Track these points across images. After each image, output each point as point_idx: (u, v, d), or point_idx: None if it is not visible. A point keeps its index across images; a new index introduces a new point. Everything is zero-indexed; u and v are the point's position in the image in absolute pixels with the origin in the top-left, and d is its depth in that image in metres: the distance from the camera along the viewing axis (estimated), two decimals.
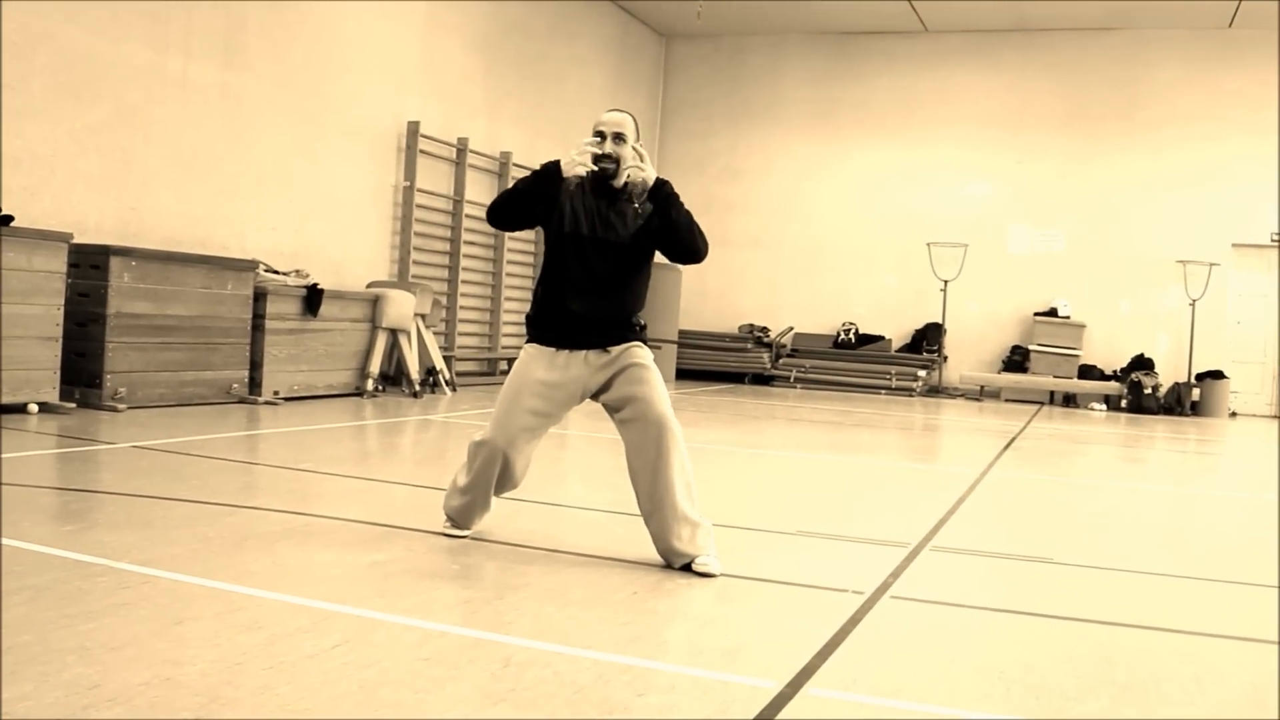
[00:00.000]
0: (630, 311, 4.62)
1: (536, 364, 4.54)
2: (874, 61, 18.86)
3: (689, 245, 4.56)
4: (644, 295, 4.75)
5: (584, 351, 4.52)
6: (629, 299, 4.63)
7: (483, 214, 14.42)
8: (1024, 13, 17.15)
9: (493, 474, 4.59)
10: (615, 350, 4.53)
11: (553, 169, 4.50)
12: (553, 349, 4.54)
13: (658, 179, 4.55)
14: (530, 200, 4.54)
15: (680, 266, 16.23)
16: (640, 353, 4.56)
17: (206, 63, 10.30)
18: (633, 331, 4.60)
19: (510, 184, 4.90)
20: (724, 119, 19.53)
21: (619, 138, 4.53)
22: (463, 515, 4.73)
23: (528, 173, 4.63)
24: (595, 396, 4.59)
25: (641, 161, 4.56)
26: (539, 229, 4.72)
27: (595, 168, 4.47)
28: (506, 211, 4.61)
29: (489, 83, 14.79)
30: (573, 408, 4.70)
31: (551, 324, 4.58)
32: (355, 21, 12.20)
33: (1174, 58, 17.38)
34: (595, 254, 4.53)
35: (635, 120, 4.66)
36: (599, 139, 4.51)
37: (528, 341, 4.66)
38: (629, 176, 4.52)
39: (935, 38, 18.53)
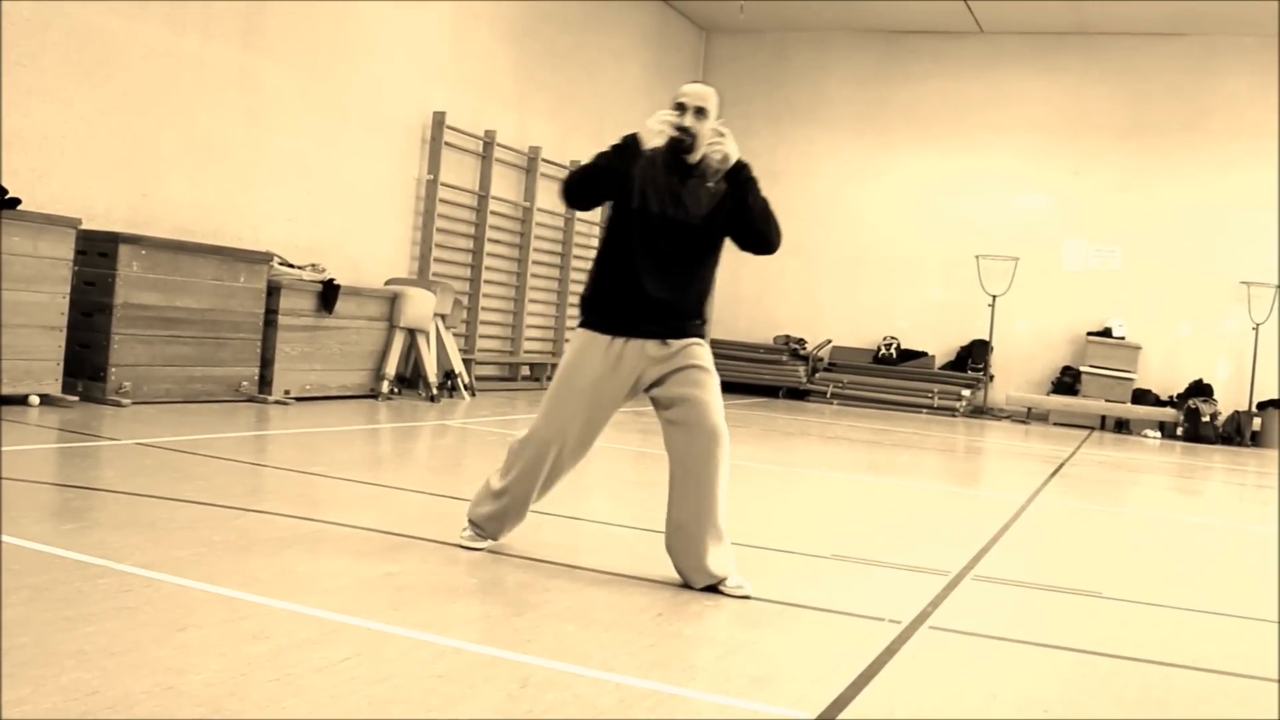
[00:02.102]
0: (696, 301, 4.57)
1: (590, 353, 4.49)
2: (924, 62, 18.80)
3: (762, 233, 4.52)
4: (711, 286, 4.68)
5: (642, 341, 4.46)
6: (695, 286, 4.57)
7: (508, 210, 14.66)
8: (1084, 14, 17.06)
9: (538, 476, 4.54)
10: (675, 345, 4.47)
11: (631, 142, 4.40)
12: (609, 337, 4.48)
13: (738, 160, 4.48)
14: (609, 177, 4.44)
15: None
16: (701, 352, 4.51)
17: (225, 44, 10.36)
18: (694, 325, 4.54)
19: (549, 174, 4.87)
20: (765, 118, 19.50)
21: (700, 112, 4.45)
22: (492, 523, 4.68)
23: (603, 150, 4.51)
24: (647, 390, 4.53)
25: (722, 139, 4.47)
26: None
27: (675, 133, 4.40)
28: (583, 188, 4.52)
29: (519, 74, 14.83)
30: (625, 403, 4.67)
31: (610, 307, 4.51)
32: (381, 5, 12.26)
33: (1243, 66, 17.26)
34: (663, 234, 4.45)
35: (719, 96, 4.58)
36: (679, 110, 4.44)
37: (580, 326, 4.60)
38: (707, 153, 4.47)
39: (990, 39, 18.47)
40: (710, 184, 4.50)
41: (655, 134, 4.37)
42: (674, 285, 4.49)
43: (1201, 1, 15.93)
